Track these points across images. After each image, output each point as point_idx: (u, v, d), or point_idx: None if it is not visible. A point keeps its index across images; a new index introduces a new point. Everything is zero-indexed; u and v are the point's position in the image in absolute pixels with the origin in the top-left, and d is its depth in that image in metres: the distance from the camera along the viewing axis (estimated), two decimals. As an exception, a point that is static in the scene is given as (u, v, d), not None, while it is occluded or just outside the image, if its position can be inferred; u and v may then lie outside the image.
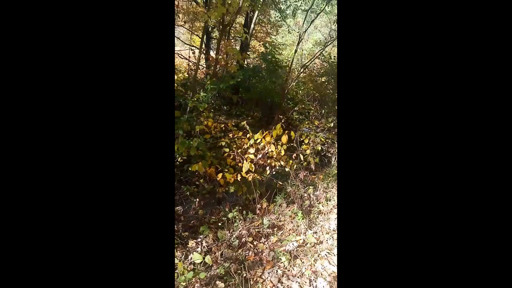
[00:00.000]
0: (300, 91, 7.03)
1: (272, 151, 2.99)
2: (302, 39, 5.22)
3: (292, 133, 3.18)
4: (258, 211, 2.64)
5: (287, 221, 2.63)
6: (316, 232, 2.33)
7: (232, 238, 2.15)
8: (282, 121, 3.19)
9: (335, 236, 2.27)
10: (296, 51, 5.26)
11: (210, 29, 7.25)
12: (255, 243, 2.27)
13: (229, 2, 3.50)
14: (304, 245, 2.17)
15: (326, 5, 5.26)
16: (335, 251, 2.06)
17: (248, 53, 8.17)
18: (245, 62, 7.74)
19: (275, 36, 10.21)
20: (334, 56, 7.32)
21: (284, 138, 3.10)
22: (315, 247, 2.14)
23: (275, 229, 2.52)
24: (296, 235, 2.28)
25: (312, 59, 5.59)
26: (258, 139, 2.95)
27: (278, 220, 2.69)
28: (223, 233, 2.13)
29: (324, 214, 2.68)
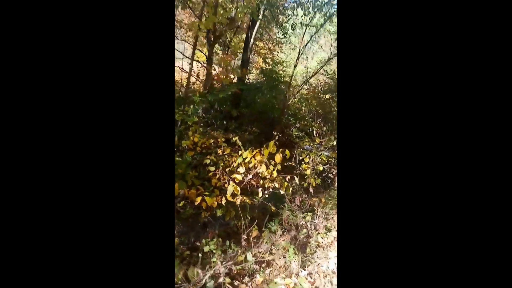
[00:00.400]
0: (303, 108, 6.77)
1: (263, 171, 2.62)
2: (302, 53, 4.99)
3: (287, 151, 2.82)
4: (244, 242, 2.23)
5: (278, 255, 2.21)
6: (311, 274, 1.90)
7: (207, 279, 1.75)
8: (276, 138, 2.84)
9: (335, 280, 1.84)
10: (295, 65, 5.02)
11: (211, 43, 7.17)
12: (236, 283, 1.85)
13: (221, 12, 3.28)
14: (296, 290, 1.74)
15: (326, 21, 5.06)
16: (333, 302, 1.63)
17: (249, 68, 8.01)
18: (247, 78, 7.57)
19: (278, 53, 10.15)
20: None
21: (278, 157, 2.74)
22: (308, 294, 1.71)
23: (263, 265, 2.10)
24: (286, 276, 1.86)
25: (312, 75, 5.35)
26: (247, 157, 2.60)
27: (269, 252, 2.27)
28: (194, 272, 1.73)
29: (323, 248, 2.26)
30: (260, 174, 2.90)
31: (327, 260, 2.02)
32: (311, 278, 1.86)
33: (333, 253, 2.09)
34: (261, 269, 2.03)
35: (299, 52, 4.98)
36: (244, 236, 2.24)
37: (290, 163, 4.01)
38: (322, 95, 7.39)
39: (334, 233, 2.48)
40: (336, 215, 2.88)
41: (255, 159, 2.61)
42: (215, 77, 4.79)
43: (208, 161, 2.79)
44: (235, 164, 2.80)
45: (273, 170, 2.66)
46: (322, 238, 2.38)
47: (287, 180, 2.72)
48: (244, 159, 2.62)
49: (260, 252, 2.24)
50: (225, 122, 5.65)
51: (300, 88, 5.71)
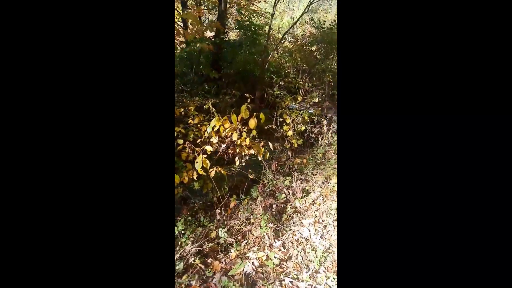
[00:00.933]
0: (288, 63, 6.33)
1: (234, 140, 2.44)
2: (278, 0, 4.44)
3: (262, 115, 2.60)
4: (218, 216, 2.15)
5: (255, 225, 2.15)
6: (284, 244, 1.84)
7: (175, 260, 1.68)
8: (248, 101, 2.59)
9: (308, 247, 1.78)
10: (273, 14, 4.50)
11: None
12: (209, 261, 1.80)
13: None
14: (267, 263, 1.69)
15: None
16: (303, 274, 1.58)
17: (229, 24, 7.30)
18: (225, 35, 6.94)
19: (260, 2, 9.21)
20: (324, 21, 6.51)
21: (252, 122, 2.54)
22: (280, 266, 1.66)
23: (239, 237, 2.04)
24: (259, 249, 1.80)
25: (293, 24, 4.84)
26: (215, 126, 2.39)
27: (247, 222, 2.20)
28: (160, 256, 1.65)
29: (300, 213, 2.19)
30: (236, 143, 2.73)
31: (302, 226, 1.95)
32: (285, 248, 1.80)
33: (307, 220, 2.02)
34: (236, 242, 1.97)
35: (275, -1, 4.42)
36: (218, 210, 2.15)
37: (270, 125, 3.82)
38: (307, 47, 6.88)
39: (313, 195, 2.40)
40: (317, 175, 2.80)
41: (224, 127, 2.40)
42: (185, 36, 4.32)
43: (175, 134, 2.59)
44: (206, 134, 2.60)
45: (246, 137, 2.48)
46: (299, 202, 2.30)
47: (262, 146, 2.55)
48: (213, 127, 2.42)
49: (236, 224, 2.18)
50: (206, 86, 5.29)
51: (279, 41, 5.22)
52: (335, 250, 1.72)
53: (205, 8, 6.35)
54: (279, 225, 2.05)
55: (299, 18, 4.65)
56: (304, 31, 8.02)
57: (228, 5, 6.67)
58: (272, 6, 9.52)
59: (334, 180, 2.49)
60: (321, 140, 3.82)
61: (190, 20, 4.56)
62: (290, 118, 3.53)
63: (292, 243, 1.83)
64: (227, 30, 6.91)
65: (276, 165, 2.60)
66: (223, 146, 2.66)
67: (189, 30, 4.84)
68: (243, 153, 2.77)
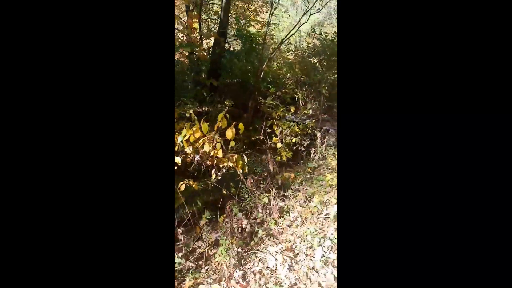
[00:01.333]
0: (289, 74, 6.17)
1: (207, 151, 2.23)
2: (276, 7, 4.31)
3: (241, 125, 2.38)
4: (179, 236, 1.91)
5: (222, 249, 1.89)
6: (245, 275, 1.57)
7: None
8: (226, 110, 2.39)
9: (273, 279, 1.51)
10: (268, 23, 4.37)
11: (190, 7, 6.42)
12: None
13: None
14: (221, 298, 1.43)
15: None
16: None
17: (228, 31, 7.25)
18: (227, 45, 6.88)
19: (265, 13, 9.22)
20: (326, 33, 6.38)
21: (230, 133, 2.33)
22: (236, 303, 1.40)
23: (201, 261, 1.79)
24: (215, 280, 1.54)
25: (289, 33, 4.67)
26: (186, 135, 2.19)
27: (213, 245, 1.96)
28: None
29: (273, 236, 1.93)
30: (213, 153, 2.52)
31: (269, 254, 1.69)
32: (245, 280, 1.54)
33: (275, 247, 1.75)
34: (197, 268, 1.72)
35: (272, 6, 4.29)
36: (180, 230, 1.91)
37: (258, 136, 3.61)
38: (309, 58, 6.72)
39: (291, 216, 2.14)
40: (299, 193, 2.53)
41: (194, 137, 2.20)
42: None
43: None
44: (181, 144, 2.40)
45: (220, 148, 2.27)
46: (275, 224, 2.04)
47: (235, 159, 2.33)
48: (184, 137, 2.22)
49: (202, 246, 1.93)
50: (204, 94, 5.17)
51: (275, 50, 5.07)
52: (302, 286, 1.44)
53: (206, 16, 6.31)
54: (247, 249, 1.80)
55: (295, 26, 4.49)
56: (309, 44, 7.91)
57: (233, 15, 6.63)
58: (279, 18, 9.48)
59: (317, 199, 2.23)
60: (313, 153, 3.56)
61: (180, 27, 4.48)
62: (279, 129, 3.31)
63: (255, 274, 1.56)
64: (230, 40, 6.85)
65: (252, 181, 2.36)
66: (197, 157, 2.46)
67: (182, 36, 4.77)
68: (221, 166, 2.56)
